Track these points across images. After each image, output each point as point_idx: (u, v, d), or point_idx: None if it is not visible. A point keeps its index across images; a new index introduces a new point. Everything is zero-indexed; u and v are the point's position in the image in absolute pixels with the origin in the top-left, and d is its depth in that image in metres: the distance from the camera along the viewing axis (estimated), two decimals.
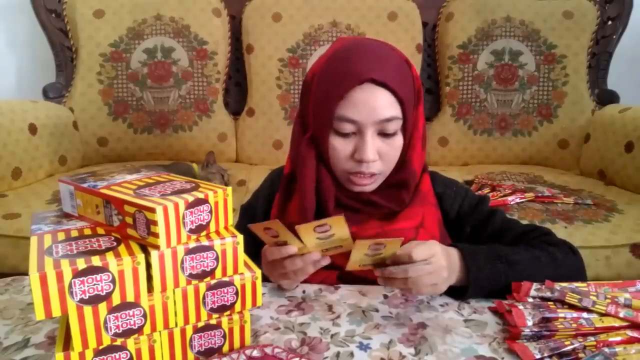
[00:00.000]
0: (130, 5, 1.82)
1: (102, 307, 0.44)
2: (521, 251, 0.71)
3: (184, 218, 0.47)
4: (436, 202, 0.79)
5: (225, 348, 0.52)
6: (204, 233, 0.49)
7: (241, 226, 0.85)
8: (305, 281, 0.69)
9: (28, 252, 0.45)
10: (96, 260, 0.43)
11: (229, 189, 0.51)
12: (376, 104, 0.67)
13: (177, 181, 0.54)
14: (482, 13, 1.84)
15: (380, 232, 0.72)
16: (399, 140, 0.70)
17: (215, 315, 0.51)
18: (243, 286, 0.51)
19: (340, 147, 0.70)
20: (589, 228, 1.25)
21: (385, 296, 0.67)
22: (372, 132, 0.68)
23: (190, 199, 0.47)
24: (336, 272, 0.71)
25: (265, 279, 0.69)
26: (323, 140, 0.71)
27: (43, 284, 0.41)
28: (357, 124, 0.68)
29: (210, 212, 0.49)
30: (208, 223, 0.49)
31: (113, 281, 0.44)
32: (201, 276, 0.49)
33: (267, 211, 0.82)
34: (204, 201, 0.49)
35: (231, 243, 0.49)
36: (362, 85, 0.66)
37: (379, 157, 0.69)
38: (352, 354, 0.54)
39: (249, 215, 0.85)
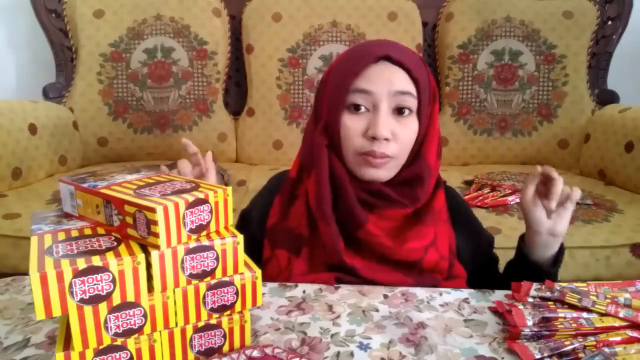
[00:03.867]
0: (130, 5, 1.82)
1: (103, 307, 0.44)
2: None
3: (184, 218, 0.47)
4: (448, 218, 0.78)
5: (226, 348, 0.52)
6: (204, 233, 0.49)
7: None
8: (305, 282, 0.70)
9: (28, 252, 0.45)
10: (96, 260, 0.43)
11: (229, 189, 0.51)
12: (392, 76, 0.69)
13: (177, 181, 0.54)
14: (482, 13, 1.84)
15: (389, 247, 0.71)
16: (413, 123, 0.70)
17: (215, 315, 0.51)
18: (243, 286, 0.51)
19: (352, 124, 0.70)
20: (589, 228, 1.25)
21: (385, 296, 0.67)
22: (387, 107, 0.69)
23: (191, 198, 0.47)
24: (334, 274, 0.71)
25: (265, 279, 0.69)
26: (336, 122, 0.71)
27: (43, 283, 0.41)
28: (372, 95, 0.69)
29: (211, 212, 0.49)
30: (208, 223, 0.49)
31: (113, 281, 0.44)
32: (201, 276, 0.49)
33: (262, 217, 0.80)
34: (204, 201, 0.49)
35: (231, 243, 0.49)
36: (378, 62, 0.69)
37: (392, 137, 0.69)
38: (352, 354, 0.54)
39: (245, 221, 0.84)
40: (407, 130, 0.70)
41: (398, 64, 0.69)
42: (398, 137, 0.69)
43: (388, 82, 0.68)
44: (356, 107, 0.70)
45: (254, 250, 0.77)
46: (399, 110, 0.70)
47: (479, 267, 0.81)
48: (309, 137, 0.76)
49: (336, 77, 0.72)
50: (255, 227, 0.80)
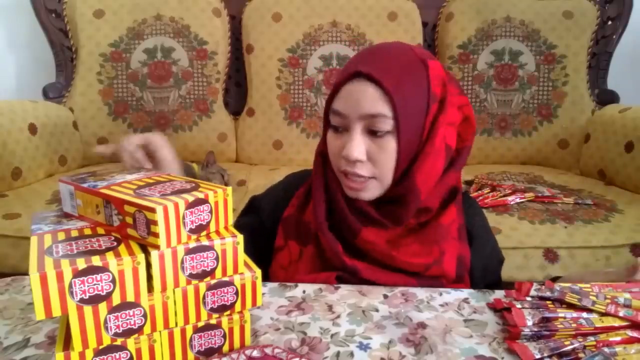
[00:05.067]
0: (130, 5, 1.82)
1: (102, 307, 0.44)
2: None
3: (184, 218, 0.47)
4: (463, 234, 0.74)
5: (225, 348, 0.52)
6: (204, 233, 0.49)
7: (242, 215, 0.86)
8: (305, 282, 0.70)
9: (28, 252, 0.45)
10: (96, 260, 0.43)
11: (229, 189, 0.51)
12: (361, 97, 0.64)
13: (177, 181, 0.54)
14: (482, 13, 1.84)
15: (387, 255, 0.70)
16: (390, 143, 0.65)
17: (215, 315, 0.51)
18: (243, 286, 0.51)
19: (332, 143, 0.70)
20: (589, 228, 1.25)
21: (385, 296, 0.67)
22: (360, 128, 0.66)
23: (190, 198, 0.47)
24: (335, 273, 0.71)
25: (265, 279, 0.69)
26: (324, 138, 0.72)
27: (43, 283, 0.41)
28: (344, 117, 0.67)
29: (211, 212, 0.49)
30: (208, 223, 0.49)
31: (113, 281, 0.44)
32: (201, 276, 0.49)
33: (273, 208, 0.81)
34: (204, 201, 0.49)
35: (231, 243, 0.49)
36: (354, 80, 0.65)
37: (367, 158, 0.66)
38: (352, 354, 0.54)
39: (253, 207, 0.85)
40: (382, 151, 0.66)
41: (369, 78, 0.64)
42: (374, 159, 0.66)
43: (357, 104, 0.65)
44: (335, 128, 0.69)
45: (261, 236, 0.79)
46: (373, 131, 0.66)
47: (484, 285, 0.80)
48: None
49: (329, 91, 0.72)
50: (265, 217, 0.81)
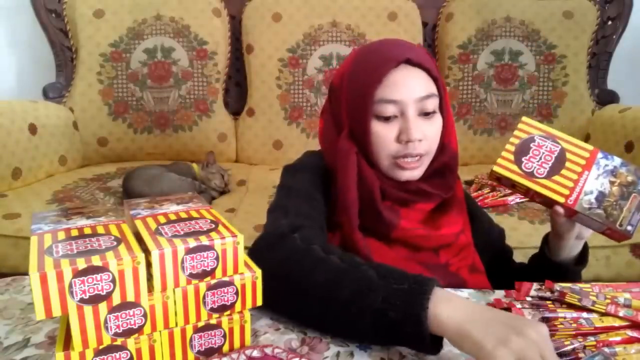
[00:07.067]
0: (130, 5, 1.82)
1: (102, 306, 0.44)
2: None
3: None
4: (466, 209, 0.81)
5: (225, 348, 0.52)
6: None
7: (303, 179, 0.76)
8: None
9: (28, 252, 0.45)
10: (96, 260, 0.43)
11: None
12: (414, 82, 0.70)
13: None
14: (482, 13, 1.84)
15: (425, 235, 0.73)
16: (439, 120, 0.72)
17: (215, 315, 0.51)
18: (243, 286, 0.51)
19: (383, 132, 0.71)
20: None
21: None
22: (414, 111, 0.70)
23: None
24: None
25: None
26: (364, 130, 0.71)
27: (43, 283, 0.41)
28: (399, 104, 0.69)
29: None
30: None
31: (113, 281, 0.44)
32: (201, 276, 0.49)
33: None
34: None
35: (231, 243, 0.49)
36: (398, 67, 0.69)
37: (423, 137, 0.71)
38: (352, 354, 0.54)
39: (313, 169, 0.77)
40: (434, 128, 0.72)
41: (418, 65, 0.70)
42: (428, 137, 0.71)
43: (412, 89, 0.69)
44: (386, 117, 0.70)
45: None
46: (424, 113, 0.71)
47: (492, 260, 0.83)
48: (333, 143, 0.74)
49: (356, 84, 0.72)
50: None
